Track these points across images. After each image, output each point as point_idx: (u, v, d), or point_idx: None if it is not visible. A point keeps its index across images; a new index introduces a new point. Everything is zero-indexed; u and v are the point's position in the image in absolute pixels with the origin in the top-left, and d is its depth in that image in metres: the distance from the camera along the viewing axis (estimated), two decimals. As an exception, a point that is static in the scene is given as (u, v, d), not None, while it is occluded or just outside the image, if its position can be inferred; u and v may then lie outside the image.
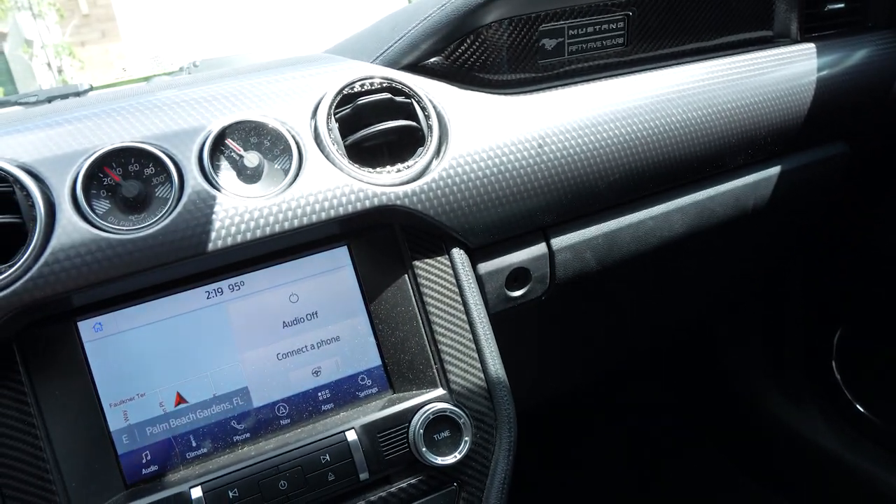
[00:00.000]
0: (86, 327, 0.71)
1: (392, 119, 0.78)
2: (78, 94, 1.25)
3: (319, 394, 0.77)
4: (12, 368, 0.67)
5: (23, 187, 0.65)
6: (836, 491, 1.42)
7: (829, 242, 1.43)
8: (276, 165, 0.73)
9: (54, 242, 0.65)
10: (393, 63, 0.86)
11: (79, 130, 0.72)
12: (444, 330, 0.79)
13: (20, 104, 1.21)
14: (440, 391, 0.77)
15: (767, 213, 1.08)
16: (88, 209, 0.67)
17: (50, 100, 1.21)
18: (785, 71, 1.04)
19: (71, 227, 0.66)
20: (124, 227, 0.67)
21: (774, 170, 1.07)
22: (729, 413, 1.60)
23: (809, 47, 1.09)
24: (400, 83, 0.80)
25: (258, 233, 0.70)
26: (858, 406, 1.45)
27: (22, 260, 0.64)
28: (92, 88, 1.27)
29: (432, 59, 0.86)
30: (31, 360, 0.68)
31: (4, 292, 0.63)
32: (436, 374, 0.78)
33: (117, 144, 0.70)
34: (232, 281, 0.75)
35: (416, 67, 0.86)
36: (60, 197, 0.67)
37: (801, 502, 1.48)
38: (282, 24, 11.57)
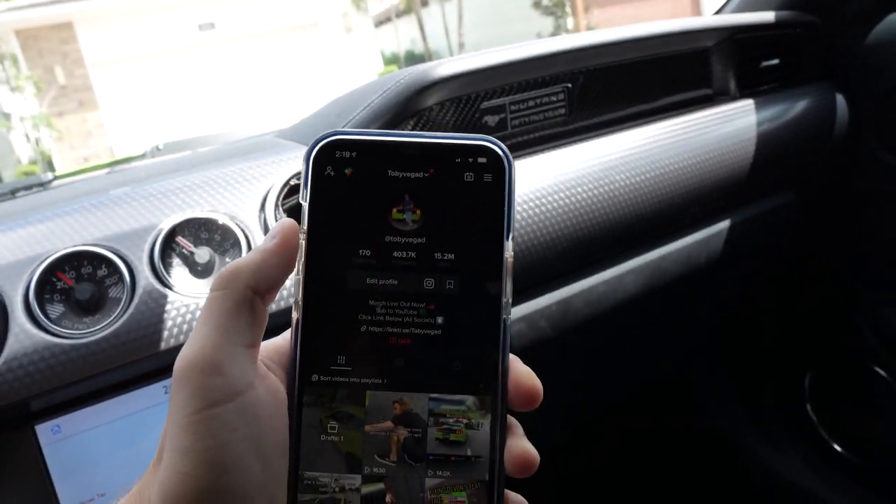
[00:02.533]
0: (44, 430, 0.71)
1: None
2: (42, 184, 1.27)
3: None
4: (-31, 478, 0.68)
5: (-26, 298, 0.67)
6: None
7: (788, 289, 1.46)
8: (226, 259, 0.75)
9: (7, 351, 0.66)
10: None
11: (32, 236, 0.73)
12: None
13: (-17, 198, 1.22)
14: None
15: (721, 266, 1.10)
16: (42, 315, 0.68)
17: (14, 192, 1.22)
18: (726, 128, 1.08)
19: (24, 335, 0.67)
20: (78, 331, 0.68)
21: (724, 223, 1.09)
22: (708, 456, 1.60)
23: (748, 103, 1.13)
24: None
25: (210, 328, 0.71)
26: (836, 446, 1.46)
27: (-26, 371, 0.65)
28: (56, 178, 1.29)
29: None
30: (-13, 468, 0.68)
31: (-42, 405, 0.64)
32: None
33: (69, 249, 0.71)
34: (189, 374, 0.76)
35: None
36: (13, 304, 0.68)
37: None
38: (262, 86, 11.74)
